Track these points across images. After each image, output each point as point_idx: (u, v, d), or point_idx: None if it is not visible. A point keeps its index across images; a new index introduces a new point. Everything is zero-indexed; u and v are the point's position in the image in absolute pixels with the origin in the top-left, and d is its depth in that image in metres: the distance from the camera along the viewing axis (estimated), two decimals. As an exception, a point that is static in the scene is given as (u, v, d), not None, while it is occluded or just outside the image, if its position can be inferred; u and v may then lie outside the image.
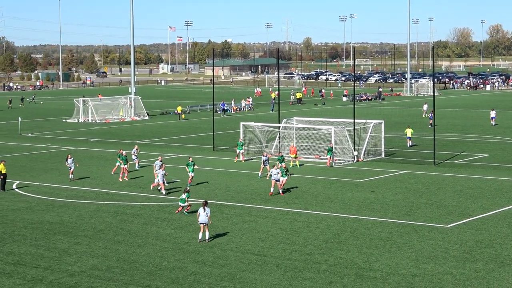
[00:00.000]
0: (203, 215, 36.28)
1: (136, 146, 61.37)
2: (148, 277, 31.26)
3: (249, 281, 30.56)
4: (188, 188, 43.63)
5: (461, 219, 41.00)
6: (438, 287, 29.65)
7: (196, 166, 52.02)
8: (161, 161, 51.23)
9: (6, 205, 45.97)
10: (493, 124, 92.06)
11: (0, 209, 44.81)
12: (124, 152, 54.65)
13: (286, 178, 48.65)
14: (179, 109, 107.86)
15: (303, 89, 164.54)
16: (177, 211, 42.47)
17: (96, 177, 55.83)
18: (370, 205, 45.11)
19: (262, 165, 54.82)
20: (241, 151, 62.19)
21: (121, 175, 54.03)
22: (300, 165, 59.85)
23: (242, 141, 63.56)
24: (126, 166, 54.01)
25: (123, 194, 49.33)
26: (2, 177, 50.62)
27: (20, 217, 42.64)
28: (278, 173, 47.96)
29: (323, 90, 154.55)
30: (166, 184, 49.71)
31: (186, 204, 42.16)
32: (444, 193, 48.49)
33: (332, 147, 59.72)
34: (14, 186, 51.99)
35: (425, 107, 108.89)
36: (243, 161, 61.72)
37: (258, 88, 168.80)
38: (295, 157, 59.96)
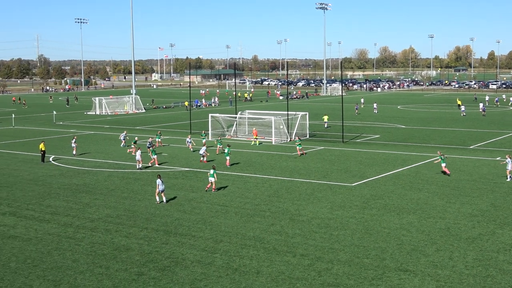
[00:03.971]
0: (161, 186, 34.72)
1: (125, 131, 61.27)
2: (145, 222, 31.08)
3: (216, 224, 30.52)
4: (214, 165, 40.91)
5: (361, 180, 41.31)
6: (346, 226, 29.85)
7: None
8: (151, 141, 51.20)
9: (45, 173, 45.36)
10: (376, 112, 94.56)
11: (41, 176, 44.21)
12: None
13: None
14: (186, 103, 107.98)
15: (252, 90, 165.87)
16: (207, 188, 38.34)
17: (108, 152, 55.26)
18: (299, 170, 45.22)
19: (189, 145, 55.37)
20: (204, 140, 57.08)
21: (133, 151, 52.65)
22: (259, 144, 59.80)
23: (205, 132, 60.46)
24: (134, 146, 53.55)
25: (127, 164, 48.88)
26: (42, 152, 49.98)
27: (55, 181, 42.08)
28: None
29: (269, 91, 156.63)
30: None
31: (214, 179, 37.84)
32: (349, 162, 48.81)
33: (300, 140, 55.21)
34: (50, 159, 51.28)
35: (362, 100, 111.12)
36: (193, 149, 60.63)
37: (202, 90, 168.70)
38: (256, 138, 60.00)
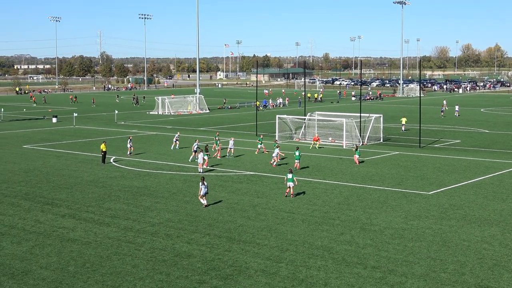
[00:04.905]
0: (204, 189, 35.29)
1: (178, 132, 62.11)
2: (208, 227, 31.46)
3: (282, 232, 30.61)
4: (291, 168, 40.75)
5: (439, 188, 40.68)
6: (421, 238, 29.46)
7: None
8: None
9: (106, 174, 46.49)
10: (457, 115, 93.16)
11: (101, 177, 45.35)
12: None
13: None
14: (257, 103, 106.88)
15: (321, 90, 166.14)
16: (286, 194, 38.48)
17: (170, 154, 56.16)
18: (371, 177, 44.87)
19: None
20: (261, 145, 56.47)
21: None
22: (319, 147, 59.65)
23: (262, 137, 60.42)
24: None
25: (190, 167, 49.57)
26: (103, 153, 51.21)
27: (116, 183, 43.09)
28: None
29: (343, 91, 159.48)
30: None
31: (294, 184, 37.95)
32: (426, 169, 48.10)
33: (358, 148, 52.05)
34: (111, 160, 52.51)
35: (444, 102, 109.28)
36: (264, 152, 56.13)
37: (266, 90, 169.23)
38: (316, 142, 59.97)
